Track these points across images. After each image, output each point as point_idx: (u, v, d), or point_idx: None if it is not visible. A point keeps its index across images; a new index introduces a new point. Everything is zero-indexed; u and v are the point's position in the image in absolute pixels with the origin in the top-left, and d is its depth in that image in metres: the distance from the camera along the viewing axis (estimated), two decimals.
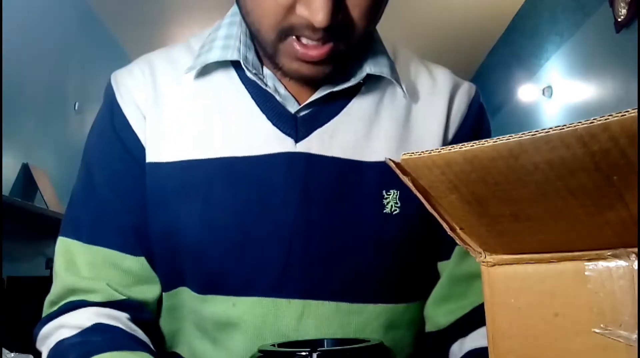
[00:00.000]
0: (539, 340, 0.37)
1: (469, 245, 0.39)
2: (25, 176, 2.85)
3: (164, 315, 0.73)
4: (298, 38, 0.60)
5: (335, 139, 0.67)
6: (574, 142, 0.27)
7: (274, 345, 0.54)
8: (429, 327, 0.73)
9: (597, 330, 0.34)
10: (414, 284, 0.72)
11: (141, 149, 0.68)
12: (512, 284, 0.38)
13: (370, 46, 0.70)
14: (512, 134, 0.28)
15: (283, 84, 0.69)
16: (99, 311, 0.65)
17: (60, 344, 0.62)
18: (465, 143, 0.31)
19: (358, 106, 0.69)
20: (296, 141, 0.67)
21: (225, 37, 0.68)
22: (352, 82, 0.67)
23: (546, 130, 0.27)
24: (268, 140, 0.66)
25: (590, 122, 0.26)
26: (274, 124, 0.67)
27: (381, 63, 0.68)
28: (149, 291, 0.69)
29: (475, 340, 0.67)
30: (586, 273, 0.35)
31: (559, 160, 0.29)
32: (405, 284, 0.71)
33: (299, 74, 0.64)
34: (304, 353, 0.48)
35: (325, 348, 0.55)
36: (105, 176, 0.69)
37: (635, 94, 2.45)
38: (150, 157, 0.68)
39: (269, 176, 0.65)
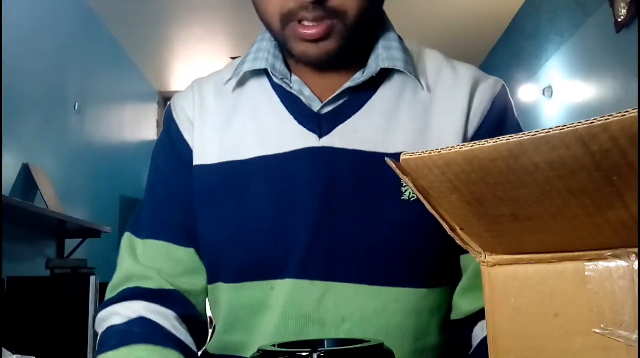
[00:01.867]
0: (539, 340, 0.37)
1: (469, 245, 0.39)
2: (25, 176, 2.85)
3: None
4: (300, 22, 0.67)
5: (356, 134, 0.72)
6: (574, 142, 0.27)
7: (274, 345, 0.53)
8: (455, 315, 0.75)
9: (597, 330, 0.34)
10: (435, 269, 0.73)
11: (190, 154, 0.78)
12: (512, 284, 0.38)
13: (384, 39, 0.75)
14: (512, 134, 0.28)
15: (308, 86, 0.75)
16: (148, 306, 0.72)
17: (109, 329, 0.71)
18: (464, 143, 0.30)
19: (379, 101, 0.74)
20: (320, 137, 0.72)
21: (256, 51, 0.77)
22: (366, 77, 0.72)
23: (546, 130, 0.27)
24: (294, 137, 0.73)
25: (590, 122, 0.26)
26: (299, 122, 0.73)
27: (395, 57, 0.73)
28: (196, 281, 0.77)
29: None
30: (586, 273, 0.35)
31: (559, 160, 0.29)
32: (424, 269, 0.72)
33: (307, 55, 0.69)
34: (304, 354, 0.48)
35: (326, 348, 0.55)
36: (161, 180, 0.80)
37: (635, 94, 2.45)
38: (197, 160, 0.77)
39: (297, 170, 0.72)
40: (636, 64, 2.34)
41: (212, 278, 0.77)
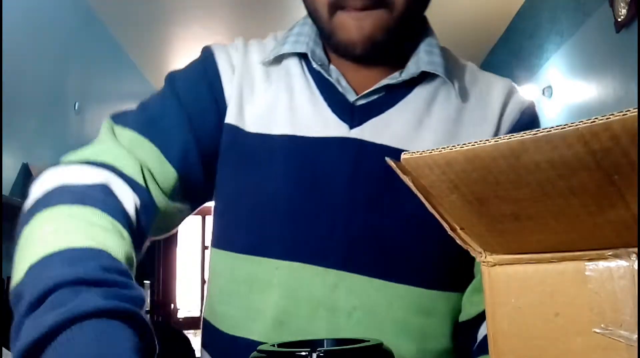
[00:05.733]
0: (539, 340, 0.37)
1: (470, 245, 0.39)
2: (25, 176, 2.85)
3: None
4: (348, 10, 0.67)
5: (387, 129, 0.72)
6: (576, 141, 0.27)
7: (273, 345, 0.53)
8: (462, 317, 0.75)
9: (597, 330, 0.34)
10: (449, 272, 0.73)
11: (222, 98, 0.75)
12: (513, 284, 0.38)
13: (426, 43, 0.76)
14: (514, 134, 0.28)
15: (346, 79, 0.75)
16: (115, 178, 0.63)
17: (61, 188, 0.60)
18: (466, 142, 0.30)
19: (413, 100, 0.74)
20: (351, 127, 0.72)
21: (297, 34, 0.77)
22: (406, 77, 0.73)
23: (547, 129, 0.27)
24: (325, 124, 0.73)
25: (592, 122, 0.26)
26: (332, 110, 0.73)
27: (436, 62, 0.74)
28: (164, 204, 0.71)
29: None
30: (587, 273, 0.35)
31: (561, 159, 0.28)
32: (439, 271, 0.72)
33: (353, 45, 0.69)
34: (303, 353, 0.48)
35: (325, 348, 0.55)
36: (184, 95, 0.74)
37: (635, 94, 2.45)
38: (229, 119, 0.74)
39: (322, 157, 0.72)
40: (636, 64, 2.34)
41: (218, 243, 0.76)
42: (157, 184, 0.69)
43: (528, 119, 0.77)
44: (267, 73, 0.77)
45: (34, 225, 0.57)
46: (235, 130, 0.74)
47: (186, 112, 0.73)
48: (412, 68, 0.73)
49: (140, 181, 0.66)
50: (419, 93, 0.75)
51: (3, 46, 2.52)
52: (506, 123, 0.75)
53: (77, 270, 0.49)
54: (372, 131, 0.72)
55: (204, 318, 0.79)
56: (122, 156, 0.66)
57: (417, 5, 0.72)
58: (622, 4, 2.54)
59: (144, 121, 0.71)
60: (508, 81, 0.80)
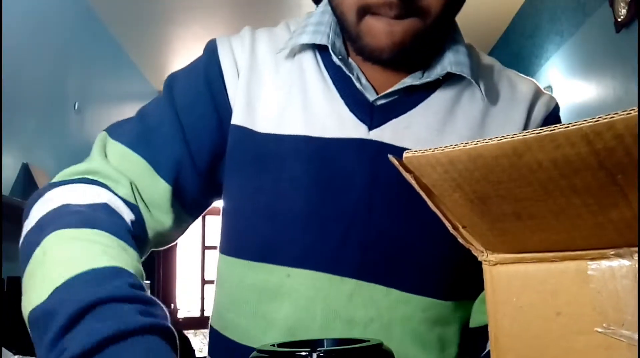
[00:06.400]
0: (540, 339, 0.37)
1: (472, 244, 0.39)
2: (25, 176, 2.85)
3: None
4: (378, 15, 0.63)
5: (408, 131, 0.69)
6: (579, 140, 0.27)
7: (273, 345, 0.53)
8: (473, 323, 0.73)
9: (599, 330, 0.34)
10: (467, 282, 0.71)
11: (225, 100, 0.71)
12: (515, 283, 0.38)
13: (452, 41, 0.72)
14: (517, 133, 0.28)
15: (365, 76, 0.71)
16: (113, 197, 0.64)
17: (65, 207, 0.60)
18: (469, 141, 0.30)
19: (436, 102, 0.71)
20: (370, 128, 0.68)
21: (317, 24, 0.72)
22: (431, 77, 0.69)
23: (551, 128, 0.27)
24: (343, 124, 0.69)
25: (596, 121, 0.26)
26: (350, 109, 0.69)
27: (462, 62, 0.70)
28: (158, 221, 0.70)
29: None
30: (589, 272, 0.35)
31: (563, 158, 0.28)
32: (457, 281, 0.70)
33: (382, 52, 0.65)
34: (303, 353, 0.48)
35: (325, 348, 0.55)
36: (180, 102, 0.71)
37: (635, 94, 2.45)
38: (236, 120, 0.71)
39: (339, 159, 0.68)
40: (636, 64, 2.34)
41: (226, 249, 0.73)
42: (148, 202, 0.68)
43: (554, 122, 0.73)
44: (277, 67, 0.72)
45: (47, 246, 0.56)
46: (244, 131, 0.70)
47: (181, 121, 0.70)
48: (437, 68, 0.70)
49: (132, 200, 0.66)
50: (443, 94, 0.71)
51: (3, 45, 2.52)
52: (533, 126, 0.73)
53: (107, 288, 0.49)
54: (393, 133, 0.68)
55: (211, 327, 0.76)
56: (113, 177, 0.66)
57: (450, 12, 0.68)
58: (622, 4, 2.54)
59: (138, 133, 0.70)
60: (533, 82, 0.78)
